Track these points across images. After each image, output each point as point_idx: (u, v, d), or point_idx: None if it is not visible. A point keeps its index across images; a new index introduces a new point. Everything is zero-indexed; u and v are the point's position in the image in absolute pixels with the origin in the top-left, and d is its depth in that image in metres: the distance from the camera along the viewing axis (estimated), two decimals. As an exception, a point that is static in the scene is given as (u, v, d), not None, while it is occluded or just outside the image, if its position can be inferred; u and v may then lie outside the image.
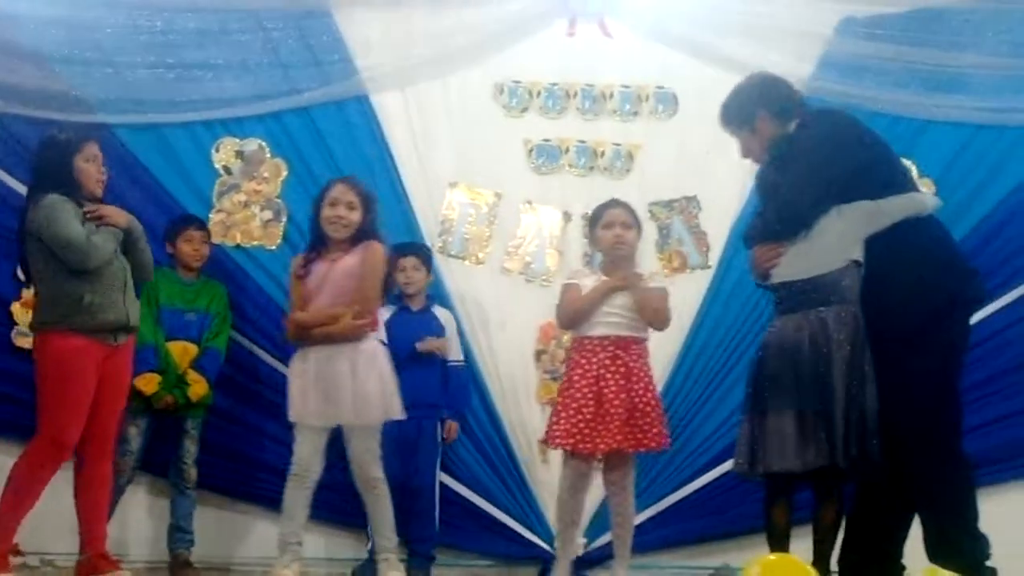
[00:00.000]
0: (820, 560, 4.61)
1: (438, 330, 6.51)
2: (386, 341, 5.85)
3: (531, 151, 7.07)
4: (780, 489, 4.71)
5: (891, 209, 4.72)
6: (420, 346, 6.36)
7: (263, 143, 6.98)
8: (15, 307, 6.59)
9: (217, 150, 6.96)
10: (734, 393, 6.68)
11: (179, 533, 6.36)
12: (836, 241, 4.69)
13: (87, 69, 6.78)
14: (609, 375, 5.48)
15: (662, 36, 7.09)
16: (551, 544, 6.55)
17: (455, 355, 6.57)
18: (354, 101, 7.00)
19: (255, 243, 6.93)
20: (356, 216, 5.68)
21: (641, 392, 5.50)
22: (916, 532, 4.74)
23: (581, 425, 5.44)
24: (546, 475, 6.67)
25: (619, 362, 5.50)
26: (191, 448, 6.39)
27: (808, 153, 4.75)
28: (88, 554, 5.57)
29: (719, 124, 5.22)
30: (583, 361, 5.53)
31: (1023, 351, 6.84)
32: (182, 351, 6.37)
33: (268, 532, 6.37)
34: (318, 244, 5.71)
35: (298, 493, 5.57)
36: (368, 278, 5.67)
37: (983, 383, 6.52)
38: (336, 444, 5.75)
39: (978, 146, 6.98)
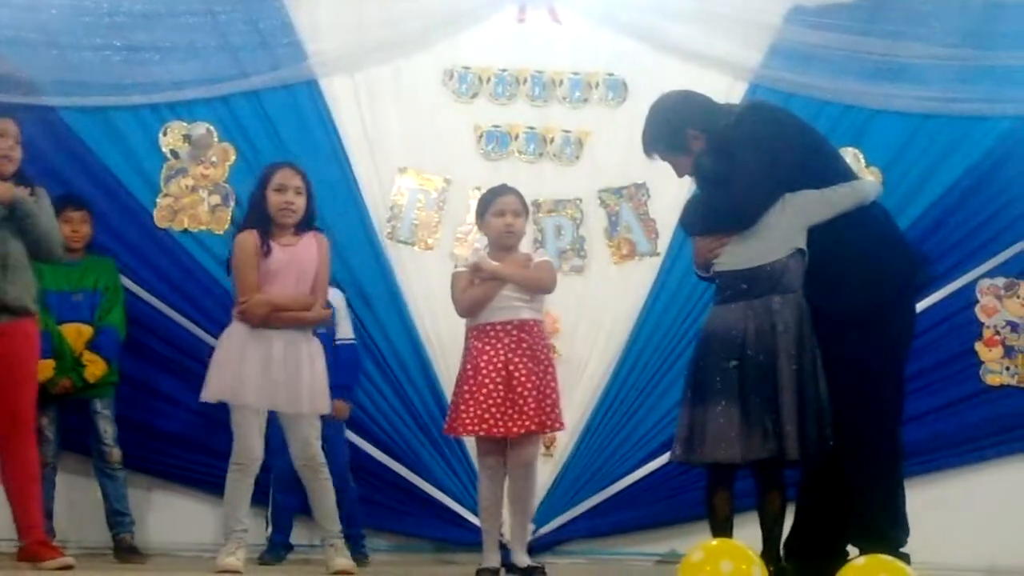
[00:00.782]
0: (770, 550, 4.62)
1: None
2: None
3: (481, 137, 7.07)
4: (721, 477, 4.72)
5: (836, 199, 4.72)
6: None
7: (211, 127, 6.93)
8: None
9: (164, 134, 6.91)
10: (681, 380, 6.65)
11: (117, 516, 6.31)
12: (781, 230, 4.68)
13: (31, 51, 6.72)
14: (517, 359, 5.49)
15: (612, 23, 7.10)
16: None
17: (344, 333, 6.45)
18: (303, 85, 6.97)
19: (203, 228, 6.89)
20: (302, 202, 5.66)
21: (542, 374, 5.54)
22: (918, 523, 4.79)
23: (493, 410, 5.45)
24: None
25: (524, 345, 5.53)
26: (107, 428, 6.32)
27: (754, 145, 4.72)
28: (27, 542, 5.51)
29: (649, 155, 5.10)
30: (487, 347, 5.52)
31: (966, 340, 6.93)
32: (76, 333, 6.27)
33: (206, 514, 6.41)
34: (263, 228, 5.66)
35: (243, 481, 5.53)
36: (324, 271, 5.70)
37: (926, 371, 6.59)
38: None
39: (924, 136, 7.02)
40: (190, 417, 6.66)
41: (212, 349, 6.60)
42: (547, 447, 6.75)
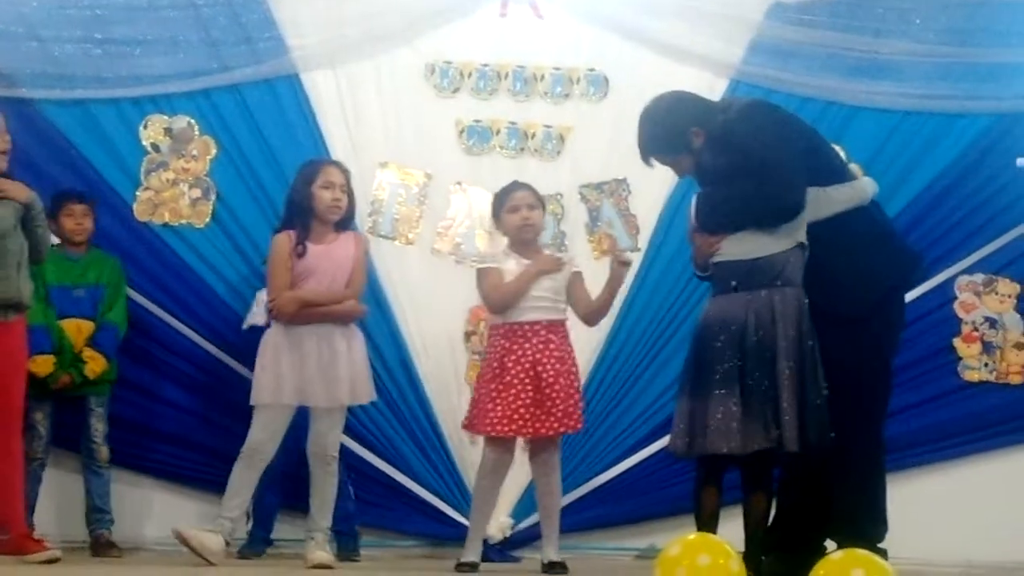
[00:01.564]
0: (752, 551, 4.63)
1: None
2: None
3: (462, 132, 7.06)
4: (711, 473, 4.72)
5: (837, 196, 4.74)
6: None
7: (192, 121, 6.92)
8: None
9: (145, 127, 6.89)
10: (661, 375, 6.75)
11: (97, 514, 6.31)
12: (788, 224, 4.70)
13: (12, 43, 6.70)
14: (546, 360, 5.50)
15: (594, 19, 7.09)
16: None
17: None
18: (285, 80, 6.95)
19: (183, 222, 6.87)
20: (347, 200, 5.72)
21: (567, 374, 5.55)
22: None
23: (521, 410, 5.45)
24: (473, 455, 6.65)
25: (552, 346, 5.53)
26: (98, 426, 6.32)
27: (776, 136, 4.72)
28: (11, 535, 5.51)
29: (648, 161, 5.07)
30: (516, 348, 5.52)
31: (944, 336, 6.97)
32: (76, 329, 6.27)
33: (193, 511, 6.40)
34: (304, 225, 5.68)
35: (247, 473, 5.58)
36: (362, 267, 5.77)
37: (904, 368, 6.59)
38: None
39: (904, 132, 7.04)
40: (166, 410, 6.68)
41: (191, 342, 6.67)
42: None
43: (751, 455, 4.54)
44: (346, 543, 6.31)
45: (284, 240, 5.68)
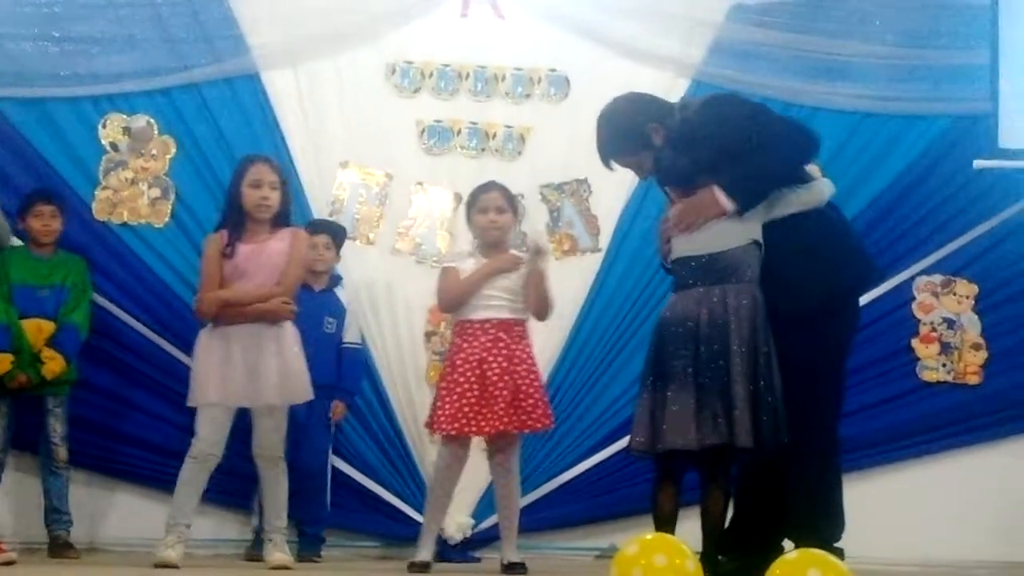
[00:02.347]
0: (710, 548, 4.63)
1: (339, 312, 6.48)
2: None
3: (423, 132, 7.05)
4: (668, 472, 4.72)
5: (793, 197, 4.73)
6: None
7: (151, 120, 6.88)
8: None
9: (104, 126, 6.85)
10: (622, 375, 6.76)
11: (55, 514, 6.27)
12: (739, 220, 4.70)
13: (-32, 42, 6.67)
14: (492, 358, 5.50)
15: (555, 19, 7.10)
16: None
17: (352, 336, 6.52)
18: (245, 79, 6.93)
19: (142, 221, 6.84)
20: (277, 197, 5.64)
21: (524, 373, 5.54)
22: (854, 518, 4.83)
23: (466, 409, 5.45)
24: (433, 455, 6.65)
25: (501, 344, 5.53)
26: (57, 427, 6.29)
27: (751, 114, 4.74)
28: (-33, 536, 5.49)
29: (608, 163, 5.08)
30: (465, 345, 5.54)
31: (903, 337, 7.01)
32: (36, 329, 6.23)
33: (152, 512, 6.36)
34: (238, 224, 5.63)
35: (196, 475, 5.52)
36: (295, 264, 5.66)
37: (863, 368, 6.64)
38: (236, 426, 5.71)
39: (864, 134, 7.08)
40: (123, 409, 6.65)
41: (150, 343, 6.64)
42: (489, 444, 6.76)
43: (707, 453, 4.54)
44: (310, 544, 6.29)
45: (214, 241, 5.62)
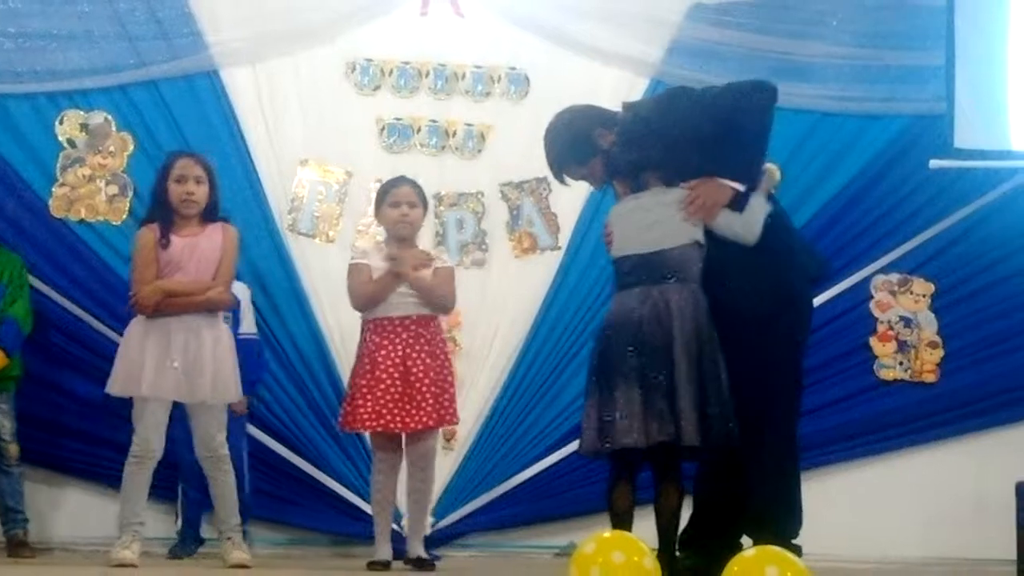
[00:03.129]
0: (666, 546, 4.64)
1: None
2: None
3: (383, 130, 7.05)
4: (622, 470, 4.72)
5: (726, 224, 4.70)
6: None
7: (109, 116, 6.85)
8: None
9: (61, 122, 6.82)
10: (581, 374, 6.65)
11: (11, 513, 6.24)
12: (679, 220, 4.70)
13: (-77, 36, 6.61)
14: (416, 354, 5.50)
15: (514, 18, 7.12)
16: (396, 522, 6.57)
17: (246, 327, 6.41)
18: (204, 76, 6.91)
19: (100, 218, 6.81)
20: (204, 191, 5.58)
21: (439, 369, 5.56)
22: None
23: (390, 405, 5.45)
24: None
25: (423, 340, 5.54)
26: (5, 423, 6.24)
27: (710, 115, 4.71)
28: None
29: (561, 177, 5.05)
30: (386, 342, 5.52)
31: (860, 335, 7.06)
32: None
33: (104, 509, 6.35)
34: (166, 219, 5.58)
35: (139, 475, 5.47)
36: (228, 259, 5.61)
37: (821, 366, 6.69)
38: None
39: (822, 133, 7.14)
40: (85, 410, 6.59)
41: (109, 340, 6.59)
42: (448, 440, 6.76)
43: (658, 451, 4.55)
44: None
45: (147, 233, 5.55)
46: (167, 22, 6.86)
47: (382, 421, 5.46)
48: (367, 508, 6.62)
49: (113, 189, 6.82)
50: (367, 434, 6.53)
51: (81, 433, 6.66)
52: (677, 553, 4.68)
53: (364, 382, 5.51)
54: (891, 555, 6.70)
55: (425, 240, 6.78)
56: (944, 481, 6.94)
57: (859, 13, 7.18)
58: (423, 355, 5.51)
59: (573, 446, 6.60)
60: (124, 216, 6.80)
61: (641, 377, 4.52)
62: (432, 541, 6.61)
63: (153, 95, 6.87)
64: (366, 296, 5.60)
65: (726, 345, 4.61)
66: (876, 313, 7.10)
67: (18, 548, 6.15)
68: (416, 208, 5.69)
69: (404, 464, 5.68)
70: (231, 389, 5.58)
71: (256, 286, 6.67)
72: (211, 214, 5.62)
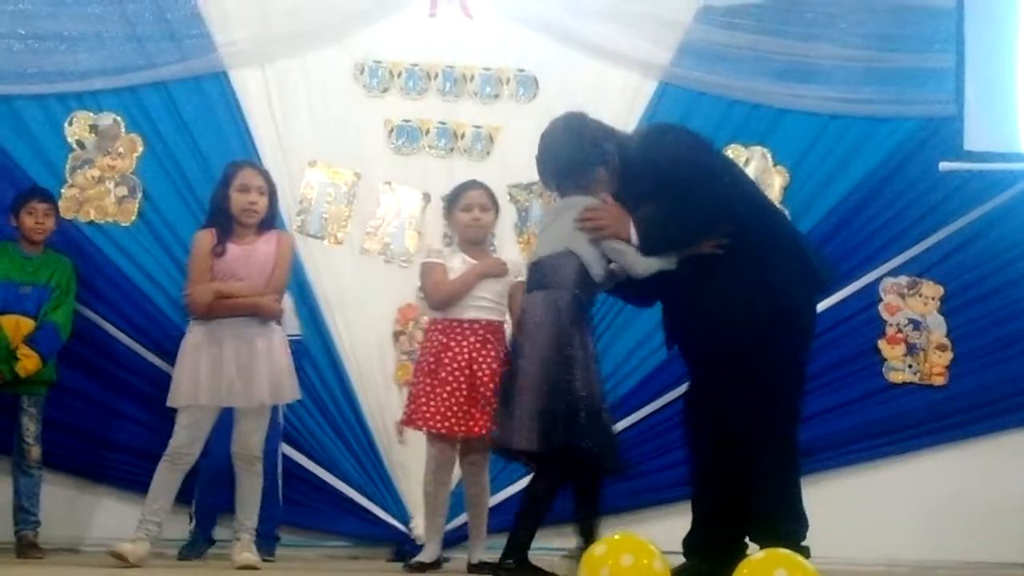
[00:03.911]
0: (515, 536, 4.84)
1: None
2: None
3: (391, 131, 7.05)
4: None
5: (609, 253, 4.74)
6: None
7: (118, 118, 6.86)
8: None
9: (70, 124, 6.83)
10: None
11: (23, 514, 6.23)
12: (555, 230, 4.76)
13: (-67, 38, 6.62)
14: (482, 359, 5.50)
15: (523, 19, 7.11)
16: (406, 524, 6.60)
17: (291, 330, 6.49)
18: (212, 77, 6.91)
19: (109, 219, 6.81)
20: (264, 202, 5.66)
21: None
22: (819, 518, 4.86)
23: (455, 408, 5.45)
24: (402, 455, 6.69)
25: (489, 346, 5.54)
26: (30, 426, 6.23)
27: (695, 157, 4.74)
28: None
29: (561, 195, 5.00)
30: (453, 344, 5.53)
31: (867, 339, 7.05)
32: (14, 325, 6.17)
33: (119, 513, 6.35)
34: (224, 226, 5.61)
35: (171, 476, 5.51)
36: (282, 267, 5.68)
37: (829, 369, 6.68)
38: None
39: (831, 135, 7.13)
40: (88, 408, 6.63)
41: (117, 342, 6.61)
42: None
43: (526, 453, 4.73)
44: (264, 543, 6.27)
45: (205, 237, 5.63)
46: (176, 23, 6.87)
47: (446, 423, 5.46)
48: (378, 511, 6.67)
49: (122, 190, 6.83)
50: (382, 439, 6.60)
51: (89, 435, 6.67)
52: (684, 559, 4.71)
53: (428, 381, 5.52)
54: (900, 558, 6.69)
55: (433, 241, 6.79)
56: (953, 484, 6.92)
57: (868, 15, 7.16)
58: (490, 360, 5.50)
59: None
60: (133, 217, 6.81)
61: (508, 383, 4.76)
62: (443, 543, 6.63)
63: (162, 96, 6.88)
64: (446, 294, 5.59)
65: (727, 352, 4.62)
66: (885, 316, 7.08)
67: (27, 549, 6.15)
68: (488, 212, 5.71)
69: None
70: (288, 389, 5.67)
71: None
72: (268, 224, 5.70)
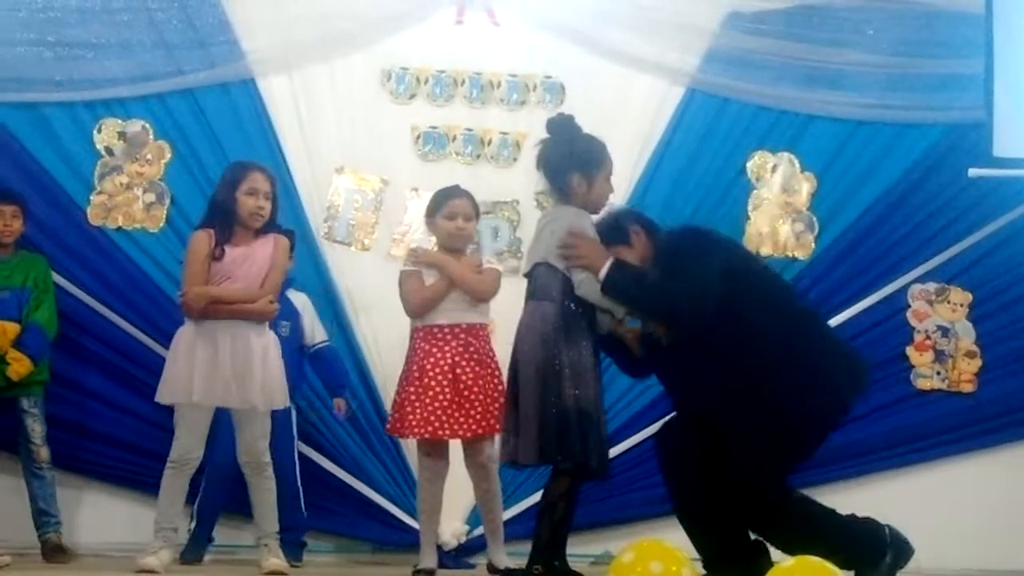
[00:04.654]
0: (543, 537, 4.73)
1: (292, 315, 6.39)
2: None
3: (418, 138, 7.06)
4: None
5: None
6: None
7: (147, 125, 6.90)
8: None
9: (99, 131, 6.87)
10: (614, 382, 6.69)
11: (44, 516, 6.26)
12: (546, 242, 4.75)
13: (-37, 46, 6.67)
14: (465, 362, 5.50)
15: (550, 26, 7.11)
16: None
17: (319, 337, 6.53)
18: (240, 84, 6.94)
19: (137, 226, 6.84)
20: (270, 207, 5.64)
21: (488, 377, 5.55)
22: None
23: (439, 412, 5.45)
24: (427, 462, 6.68)
25: (472, 349, 5.54)
26: (35, 427, 6.25)
27: (696, 254, 4.73)
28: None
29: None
30: (435, 350, 5.52)
31: (895, 345, 7.03)
32: (1, 331, 6.18)
33: (131, 514, 6.46)
34: (225, 227, 5.59)
35: (177, 480, 5.52)
36: (278, 268, 5.66)
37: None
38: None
39: (858, 141, 7.12)
40: (121, 416, 6.65)
41: (145, 348, 6.63)
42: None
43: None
44: (290, 550, 6.27)
45: (203, 238, 5.57)
46: (204, 30, 6.90)
47: (430, 428, 5.46)
48: (404, 517, 6.66)
49: (150, 197, 6.86)
50: (408, 444, 6.60)
51: (111, 438, 6.70)
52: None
53: (413, 389, 5.51)
54: (927, 566, 6.60)
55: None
56: (981, 492, 6.90)
57: (896, 21, 7.15)
58: (472, 363, 5.50)
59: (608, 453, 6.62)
60: (161, 224, 6.84)
61: (508, 393, 4.79)
62: (467, 549, 6.64)
63: (190, 103, 6.91)
64: (420, 302, 5.58)
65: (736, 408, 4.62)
66: (913, 322, 7.07)
67: (53, 552, 6.17)
68: (471, 221, 5.68)
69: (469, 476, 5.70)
70: (280, 396, 5.62)
71: (292, 295, 6.69)
72: (268, 227, 5.67)
